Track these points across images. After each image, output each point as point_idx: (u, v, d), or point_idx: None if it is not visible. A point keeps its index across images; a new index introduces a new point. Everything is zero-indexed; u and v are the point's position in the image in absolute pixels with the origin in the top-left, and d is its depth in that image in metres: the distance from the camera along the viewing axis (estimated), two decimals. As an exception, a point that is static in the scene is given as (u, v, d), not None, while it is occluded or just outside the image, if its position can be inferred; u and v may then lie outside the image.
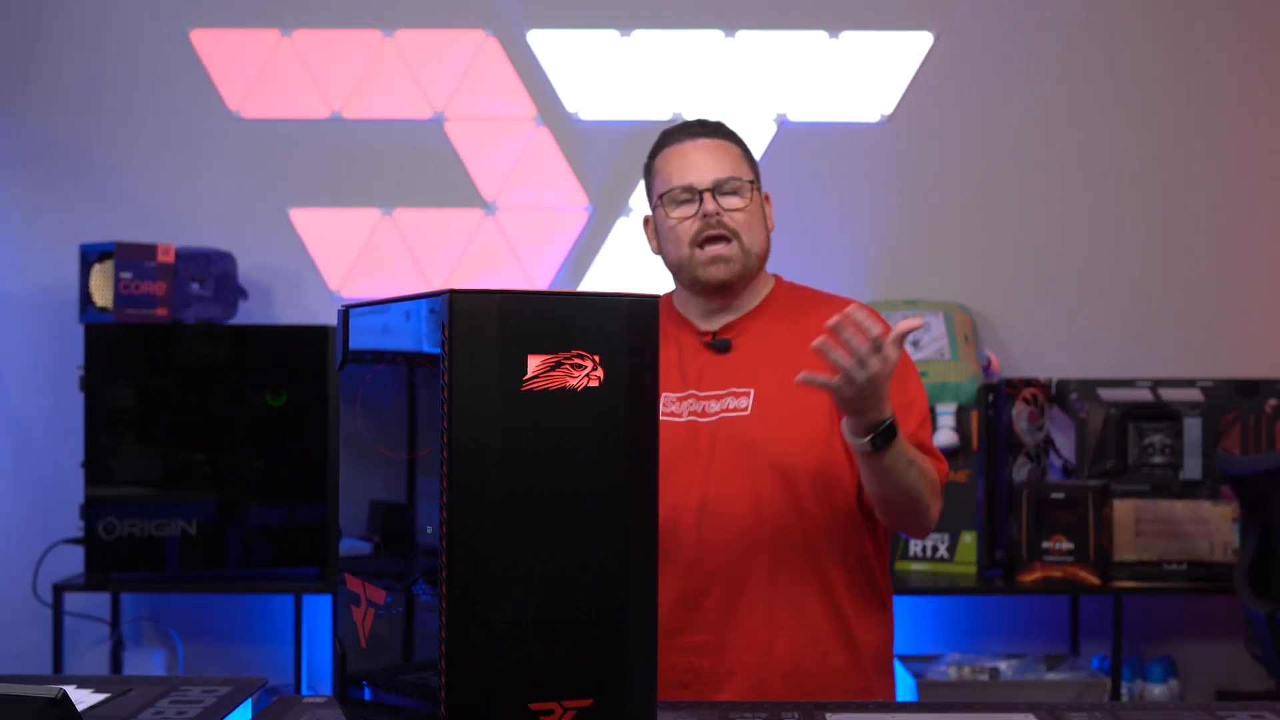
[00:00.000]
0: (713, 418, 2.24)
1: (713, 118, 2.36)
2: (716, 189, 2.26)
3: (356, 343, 1.67)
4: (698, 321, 2.33)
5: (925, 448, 2.23)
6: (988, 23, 4.41)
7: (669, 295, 2.38)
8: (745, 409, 2.24)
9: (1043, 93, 4.42)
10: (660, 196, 2.30)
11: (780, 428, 2.22)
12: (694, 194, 2.26)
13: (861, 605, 2.27)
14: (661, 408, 2.20)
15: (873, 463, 2.10)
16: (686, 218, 2.26)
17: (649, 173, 2.35)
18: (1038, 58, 4.42)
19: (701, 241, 2.26)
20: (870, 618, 2.28)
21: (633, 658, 1.51)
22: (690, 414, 2.25)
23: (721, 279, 2.27)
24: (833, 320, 1.97)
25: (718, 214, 2.24)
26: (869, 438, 2.06)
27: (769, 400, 2.24)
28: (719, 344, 2.30)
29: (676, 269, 2.31)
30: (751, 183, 2.29)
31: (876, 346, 1.97)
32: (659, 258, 2.36)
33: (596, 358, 1.50)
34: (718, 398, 2.26)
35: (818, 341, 1.99)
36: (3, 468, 4.39)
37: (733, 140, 2.33)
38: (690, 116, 2.38)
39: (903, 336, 1.99)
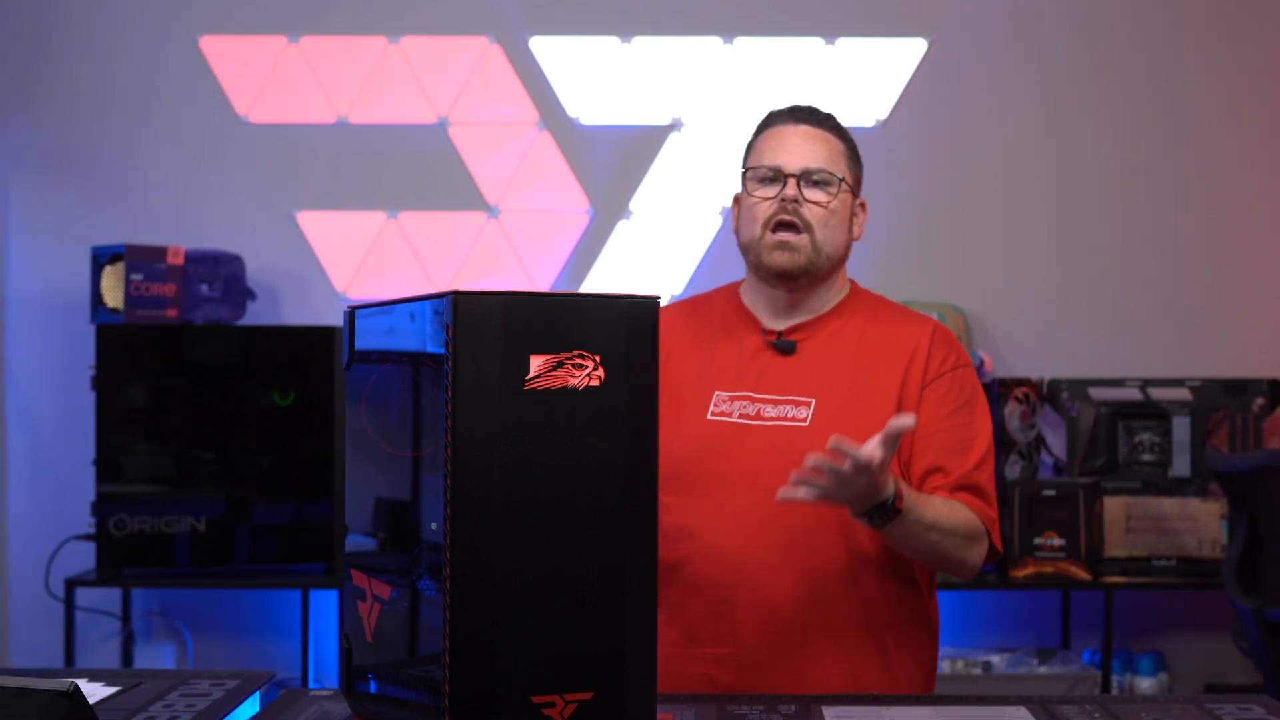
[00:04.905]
0: (768, 423, 2.12)
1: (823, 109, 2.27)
2: (804, 177, 2.16)
3: (362, 343, 1.67)
4: (765, 319, 2.22)
5: (977, 489, 2.11)
6: (981, 30, 4.45)
7: (738, 286, 2.29)
8: (804, 419, 2.10)
9: (1033, 98, 4.46)
10: (747, 171, 2.22)
11: None
12: (779, 176, 2.17)
13: (904, 629, 2.15)
14: (712, 406, 2.15)
15: (882, 533, 2.01)
16: (766, 198, 2.17)
17: (747, 148, 2.26)
18: (1029, 64, 4.46)
19: (774, 226, 2.16)
20: (911, 642, 2.16)
21: (633, 652, 1.53)
22: (741, 415, 2.13)
23: (784, 266, 2.16)
24: (812, 459, 1.86)
25: (796, 200, 2.14)
26: (865, 517, 1.96)
27: (829, 414, 2.10)
28: (783, 345, 2.19)
29: (746, 249, 2.20)
30: (843, 181, 2.18)
31: (860, 468, 1.86)
32: (735, 239, 2.26)
33: (597, 358, 1.51)
34: (775, 403, 2.13)
35: (783, 493, 1.89)
36: (16, 466, 4.44)
37: (839, 136, 2.22)
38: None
39: (894, 438, 1.88)
